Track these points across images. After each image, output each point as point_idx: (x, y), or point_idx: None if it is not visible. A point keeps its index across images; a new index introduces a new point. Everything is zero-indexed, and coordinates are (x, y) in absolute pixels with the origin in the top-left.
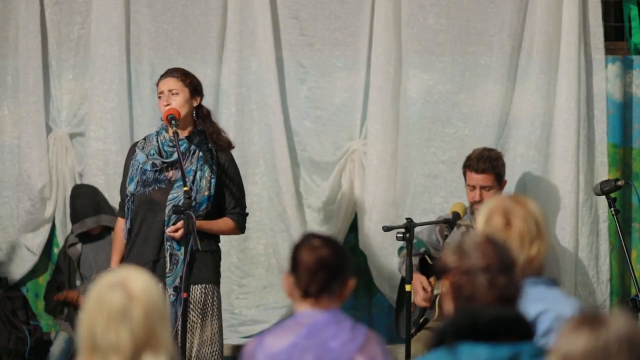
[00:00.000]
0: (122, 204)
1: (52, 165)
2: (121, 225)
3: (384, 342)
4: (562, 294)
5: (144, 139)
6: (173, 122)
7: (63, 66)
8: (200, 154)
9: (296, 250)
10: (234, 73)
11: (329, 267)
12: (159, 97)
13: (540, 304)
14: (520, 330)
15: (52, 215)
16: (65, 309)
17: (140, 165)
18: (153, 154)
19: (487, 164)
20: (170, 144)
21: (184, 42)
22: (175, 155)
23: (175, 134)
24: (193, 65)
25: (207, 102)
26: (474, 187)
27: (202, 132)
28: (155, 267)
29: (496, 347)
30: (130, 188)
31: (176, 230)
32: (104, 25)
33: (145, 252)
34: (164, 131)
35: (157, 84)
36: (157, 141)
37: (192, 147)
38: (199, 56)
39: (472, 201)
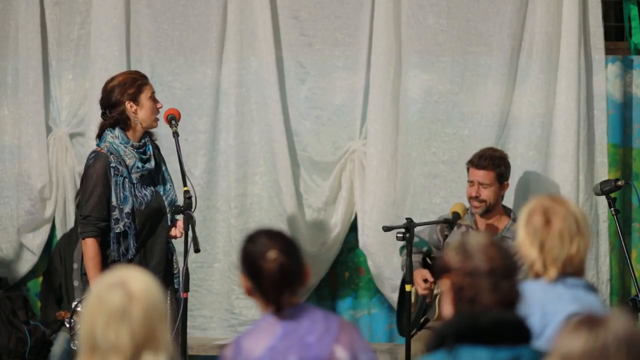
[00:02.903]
0: (97, 224)
1: (52, 165)
2: (96, 248)
3: (357, 327)
4: (598, 301)
5: (109, 153)
6: (173, 122)
7: (63, 66)
8: (156, 151)
9: (253, 258)
10: (234, 73)
11: (291, 274)
12: (154, 100)
13: (575, 304)
14: (520, 334)
15: (52, 215)
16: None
17: (127, 181)
18: (141, 167)
19: (487, 162)
20: (141, 150)
21: (184, 42)
22: (153, 160)
23: (176, 134)
24: (193, 65)
25: (207, 102)
26: (472, 183)
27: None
28: (167, 273)
29: (496, 350)
30: (128, 206)
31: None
32: (104, 25)
33: (153, 263)
34: (130, 140)
35: (147, 86)
36: (132, 151)
37: (152, 147)
38: (199, 56)
39: (469, 197)
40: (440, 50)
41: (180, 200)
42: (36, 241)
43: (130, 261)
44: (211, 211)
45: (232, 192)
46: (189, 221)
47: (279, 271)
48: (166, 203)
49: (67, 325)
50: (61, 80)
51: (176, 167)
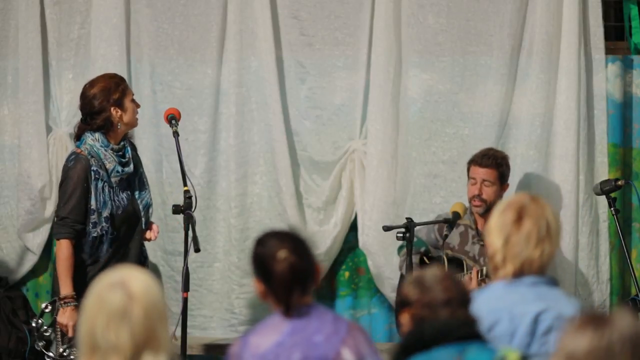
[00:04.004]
0: (74, 226)
1: (52, 165)
2: (71, 250)
3: (366, 331)
4: (562, 294)
5: (90, 156)
6: (173, 121)
7: (63, 66)
8: (134, 153)
9: (264, 260)
10: (234, 73)
11: (302, 273)
12: (134, 102)
13: (540, 303)
14: (468, 330)
15: (52, 215)
16: None
17: (107, 185)
18: (121, 170)
19: (491, 160)
20: (120, 153)
21: (184, 42)
22: (131, 164)
23: (176, 133)
24: (193, 65)
25: (207, 102)
26: (475, 181)
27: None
28: None
29: (443, 348)
30: (107, 211)
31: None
32: (104, 25)
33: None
34: (110, 143)
35: (129, 89)
36: (112, 155)
37: (131, 151)
38: (199, 56)
39: (471, 195)
40: (440, 50)
41: (179, 201)
42: (36, 241)
43: (104, 266)
44: (211, 211)
45: (232, 192)
46: (189, 221)
47: (289, 270)
48: (141, 207)
49: (34, 325)
50: (61, 80)
51: (176, 167)
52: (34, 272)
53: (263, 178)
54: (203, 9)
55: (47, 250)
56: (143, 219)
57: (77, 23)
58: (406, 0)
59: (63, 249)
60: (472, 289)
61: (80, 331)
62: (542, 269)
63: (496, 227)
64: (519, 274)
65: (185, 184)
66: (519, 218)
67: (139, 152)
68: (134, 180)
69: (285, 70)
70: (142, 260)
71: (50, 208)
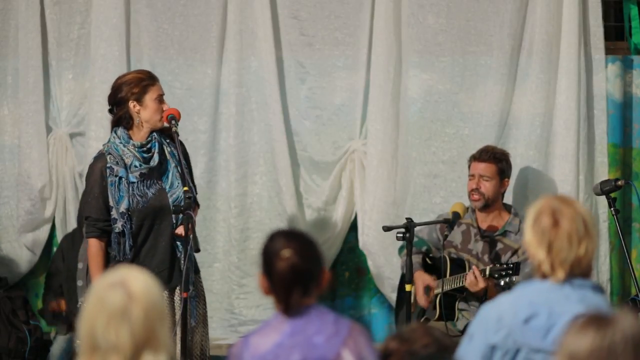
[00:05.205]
0: (96, 224)
1: (52, 165)
2: (97, 247)
3: (368, 333)
4: (605, 302)
5: (107, 153)
6: (173, 122)
7: (63, 66)
8: (168, 148)
9: (268, 255)
10: (234, 73)
11: (303, 275)
12: (160, 101)
13: (582, 306)
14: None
15: (52, 215)
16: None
17: (124, 180)
18: (139, 165)
19: (489, 155)
20: (144, 149)
21: (184, 42)
22: (157, 158)
23: (176, 133)
24: (193, 65)
25: (207, 102)
26: (474, 177)
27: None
28: (172, 271)
29: None
30: (124, 206)
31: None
32: (104, 25)
33: (155, 261)
34: (130, 139)
35: (154, 87)
36: (132, 150)
37: (160, 145)
38: (199, 56)
39: (469, 189)
40: (440, 50)
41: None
42: (36, 241)
43: (132, 260)
44: (211, 211)
45: (232, 192)
46: (189, 221)
47: (289, 270)
48: (171, 201)
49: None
50: (61, 80)
51: None
52: (34, 273)
53: (263, 178)
54: (203, 9)
55: (47, 250)
56: (174, 220)
57: (77, 23)
58: (406, 0)
59: (90, 247)
60: (479, 287)
61: (80, 331)
62: (589, 267)
63: (535, 238)
64: (570, 276)
65: (185, 184)
66: (556, 222)
67: None
68: (167, 174)
69: (285, 70)
70: (176, 254)
71: (50, 208)
